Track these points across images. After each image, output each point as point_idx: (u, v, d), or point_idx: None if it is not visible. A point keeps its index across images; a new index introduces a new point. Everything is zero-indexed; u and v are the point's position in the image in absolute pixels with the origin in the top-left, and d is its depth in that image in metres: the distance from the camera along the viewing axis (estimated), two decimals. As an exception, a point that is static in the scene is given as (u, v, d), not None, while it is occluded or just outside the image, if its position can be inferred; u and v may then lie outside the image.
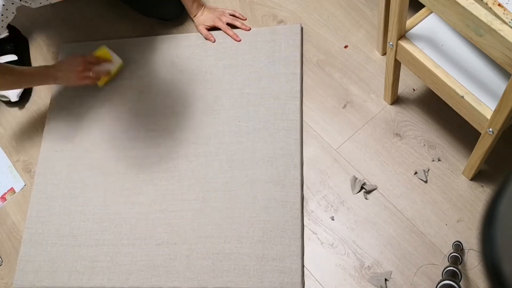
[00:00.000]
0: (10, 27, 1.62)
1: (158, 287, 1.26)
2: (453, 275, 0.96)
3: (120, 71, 1.53)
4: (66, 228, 1.37)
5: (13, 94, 1.54)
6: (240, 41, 1.51)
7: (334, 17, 1.53)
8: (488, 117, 1.00)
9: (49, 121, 1.52)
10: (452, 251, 1.17)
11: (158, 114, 1.46)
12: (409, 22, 1.12)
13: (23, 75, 1.39)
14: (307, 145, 1.37)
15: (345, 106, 1.40)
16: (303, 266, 1.23)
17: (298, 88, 1.42)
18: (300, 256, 1.23)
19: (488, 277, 0.37)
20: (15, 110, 1.59)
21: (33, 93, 1.61)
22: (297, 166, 1.32)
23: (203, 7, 1.54)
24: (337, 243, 1.25)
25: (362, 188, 1.29)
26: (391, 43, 1.13)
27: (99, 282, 1.29)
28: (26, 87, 1.54)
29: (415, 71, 1.14)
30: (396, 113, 1.36)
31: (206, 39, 1.54)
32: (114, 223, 1.34)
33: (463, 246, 1.19)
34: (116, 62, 1.52)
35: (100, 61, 1.49)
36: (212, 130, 1.41)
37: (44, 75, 1.42)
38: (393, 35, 1.10)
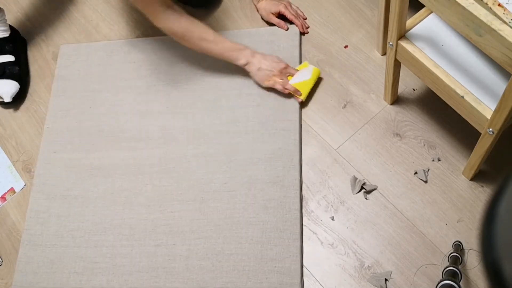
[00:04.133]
0: (10, 28, 1.62)
1: None
2: (453, 275, 0.96)
3: (314, 83, 1.42)
4: (65, 229, 1.36)
5: (7, 95, 1.54)
6: (308, 33, 1.48)
7: (334, 17, 1.53)
8: (488, 117, 1.00)
9: (48, 122, 1.52)
10: (452, 251, 1.17)
11: (156, 115, 1.46)
12: (409, 22, 1.12)
13: (215, 42, 1.35)
14: (307, 145, 1.37)
15: (345, 106, 1.40)
16: (302, 266, 1.23)
17: None
18: (299, 256, 1.23)
19: (488, 277, 0.37)
20: (15, 110, 1.59)
21: (33, 93, 1.61)
22: (296, 166, 1.32)
23: None
24: (337, 243, 1.25)
25: (362, 188, 1.29)
26: (391, 43, 1.13)
27: (98, 283, 1.28)
28: (213, 55, 1.40)
29: (415, 71, 1.14)
30: (396, 113, 1.36)
31: (278, 27, 1.50)
32: (113, 224, 1.34)
33: (463, 246, 1.19)
34: (310, 75, 1.40)
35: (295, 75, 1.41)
36: (211, 130, 1.41)
37: (239, 50, 1.37)
38: (393, 35, 1.10)
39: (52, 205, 1.40)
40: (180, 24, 1.33)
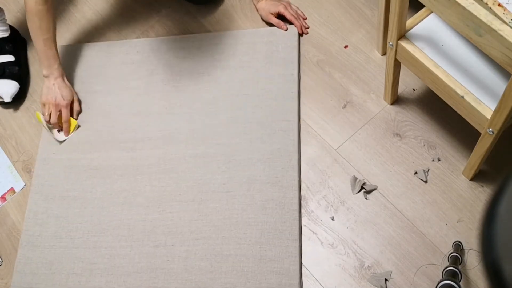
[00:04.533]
0: (10, 28, 1.62)
1: (157, 288, 1.26)
2: (453, 275, 0.96)
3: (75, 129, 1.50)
4: (63, 230, 1.36)
5: (7, 95, 1.54)
6: (307, 33, 1.49)
7: (334, 17, 1.53)
8: (488, 117, 1.00)
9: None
10: (452, 251, 1.17)
11: (155, 116, 1.46)
12: (409, 22, 1.12)
13: (45, 41, 1.42)
14: (307, 145, 1.37)
15: (345, 106, 1.40)
16: (301, 267, 1.23)
17: (296, 89, 1.42)
18: (298, 257, 1.23)
19: (488, 277, 0.37)
20: (15, 110, 1.59)
21: (33, 93, 1.61)
22: (294, 167, 1.32)
23: None
24: (337, 243, 1.25)
25: (362, 188, 1.29)
26: (391, 43, 1.13)
27: (97, 284, 1.28)
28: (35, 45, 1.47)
29: (415, 71, 1.14)
30: (396, 113, 1.36)
31: (278, 27, 1.51)
32: (111, 225, 1.34)
33: (463, 246, 1.19)
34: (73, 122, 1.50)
35: (66, 121, 1.48)
36: (209, 131, 1.41)
37: (49, 66, 1.45)
38: (393, 35, 1.10)
39: (51, 206, 1.40)
40: (39, 13, 1.38)
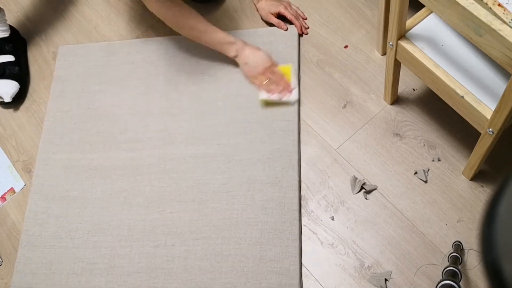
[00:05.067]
0: (10, 28, 1.62)
1: (157, 288, 1.26)
2: (453, 275, 0.96)
3: (285, 104, 1.39)
4: (63, 230, 1.36)
5: (7, 95, 1.54)
6: (307, 34, 1.49)
7: (334, 17, 1.53)
8: (488, 117, 1.00)
9: (47, 123, 1.52)
10: (452, 251, 1.17)
11: (155, 116, 1.46)
12: (409, 22, 1.12)
13: (206, 32, 1.38)
14: (307, 145, 1.37)
15: (345, 106, 1.40)
16: (301, 267, 1.23)
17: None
18: (298, 257, 1.23)
19: (488, 277, 0.37)
20: (15, 110, 1.59)
21: (33, 93, 1.61)
22: (294, 167, 1.32)
23: None
24: (337, 243, 1.25)
25: (362, 188, 1.29)
26: (391, 43, 1.13)
27: (97, 284, 1.28)
28: (204, 44, 1.42)
29: (415, 71, 1.14)
30: (396, 113, 1.36)
31: (278, 27, 1.51)
32: (111, 225, 1.34)
33: (463, 246, 1.19)
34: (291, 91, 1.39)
35: (281, 77, 1.39)
36: (210, 131, 1.41)
37: (229, 43, 1.40)
38: (393, 35, 1.10)
39: (51, 206, 1.40)
40: (173, 12, 1.35)
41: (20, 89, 1.57)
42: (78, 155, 1.45)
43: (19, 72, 1.58)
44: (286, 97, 1.39)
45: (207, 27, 1.38)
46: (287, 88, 1.39)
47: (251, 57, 1.41)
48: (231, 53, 1.42)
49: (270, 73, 1.40)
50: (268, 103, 1.40)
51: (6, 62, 1.57)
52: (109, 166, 1.42)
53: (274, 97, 1.38)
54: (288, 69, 1.41)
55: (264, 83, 1.40)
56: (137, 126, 1.46)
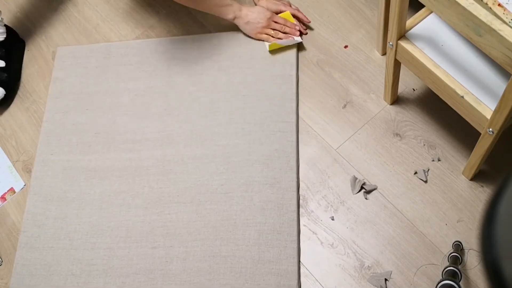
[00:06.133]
0: (8, 30, 1.61)
1: (157, 288, 1.25)
2: (453, 275, 0.96)
3: (293, 46, 1.47)
4: (62, 232, 1.36)
5: None
6: (306, 34, 1.51)
7: (334, 17, 1.53)
8: (488, 117, 1.00)
9: (45, 124, 1.52)
10: (452, 251, 1.17)
11: (154, 117, 1.46)
12: (409, 22, 1.12)
13: None
14: (307, 145, 1.37)
15: (345, 106, 1.40)
16: (299, 268, 1.23)
17: (294, 90, 1.42)
18: (296, 258, 1.23)
19: (488, 277, 0.37)
20: (15, 110, 1.59)
21: (33, 93, 1.61)
22: (293, 168, 1.32)
23: None
24: (337, 243, 1.25)
25: (362, 188, 1.29)
26: (391, 43, 1.13)
27: (95, 286, 1.28)
28: (201, 9, 1.46)
29: (415, 71, 1.14)
30: (396, 113, 1.36)
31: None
32: (110, 226, 1.34)
33: (463, 246, 1.19)
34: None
35: (285, 22, 1.46)
36: (208, 132, 1.40)
37: (226, 6, 1.43)
38: (393, 35, 1.10)
39: (49, 207, 1.40)
40: None
41: (7, 95, 1.57)
42: (77, 156, 1.45)
43: (7, 79, 1.57)
44: (293, 40, 1.45)
45: None
46: (295, 29, 1.46)
47: (250, 15, 1.44)
48: (229, 15, 1.44)
49: (274, 24, 1.45)
50: (276, 49, 1.47)
51: None
52: (108, 167, 1.41)
53: (283, 42, 1.45)
54: (287, 14, 1.48)
55: (272, 36, 1.45)
56: (135, 127, 1.46)
